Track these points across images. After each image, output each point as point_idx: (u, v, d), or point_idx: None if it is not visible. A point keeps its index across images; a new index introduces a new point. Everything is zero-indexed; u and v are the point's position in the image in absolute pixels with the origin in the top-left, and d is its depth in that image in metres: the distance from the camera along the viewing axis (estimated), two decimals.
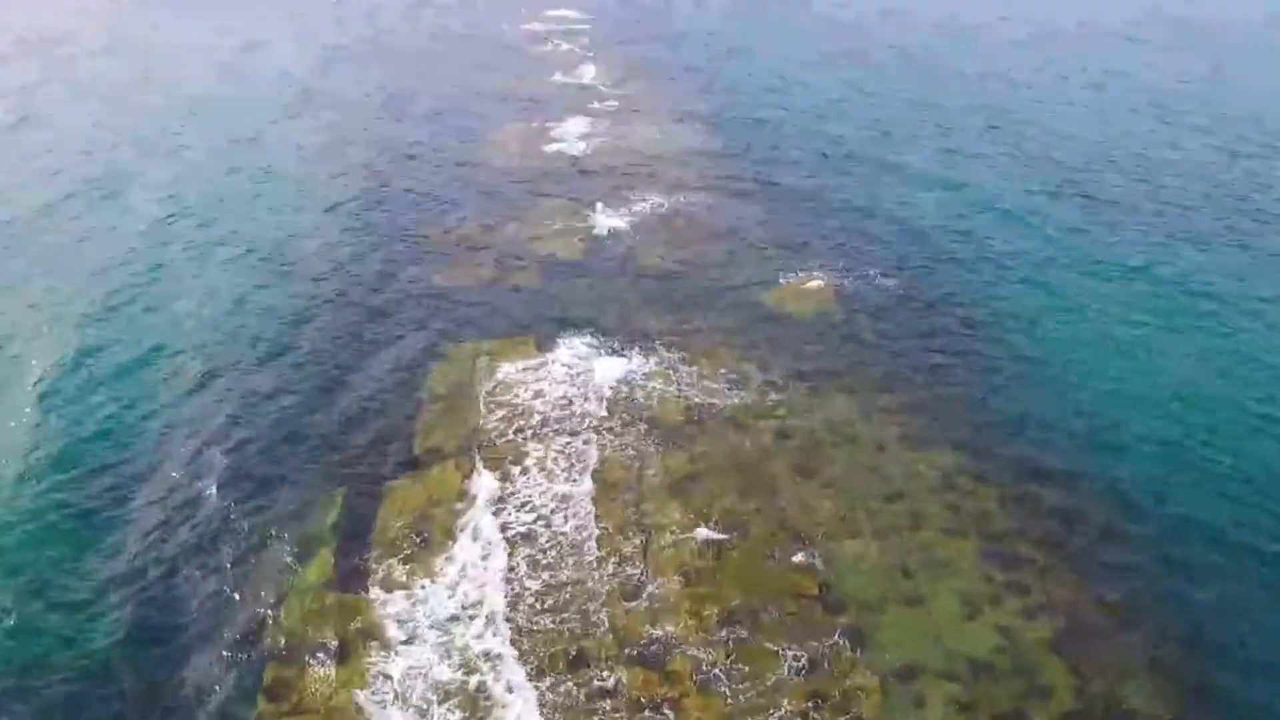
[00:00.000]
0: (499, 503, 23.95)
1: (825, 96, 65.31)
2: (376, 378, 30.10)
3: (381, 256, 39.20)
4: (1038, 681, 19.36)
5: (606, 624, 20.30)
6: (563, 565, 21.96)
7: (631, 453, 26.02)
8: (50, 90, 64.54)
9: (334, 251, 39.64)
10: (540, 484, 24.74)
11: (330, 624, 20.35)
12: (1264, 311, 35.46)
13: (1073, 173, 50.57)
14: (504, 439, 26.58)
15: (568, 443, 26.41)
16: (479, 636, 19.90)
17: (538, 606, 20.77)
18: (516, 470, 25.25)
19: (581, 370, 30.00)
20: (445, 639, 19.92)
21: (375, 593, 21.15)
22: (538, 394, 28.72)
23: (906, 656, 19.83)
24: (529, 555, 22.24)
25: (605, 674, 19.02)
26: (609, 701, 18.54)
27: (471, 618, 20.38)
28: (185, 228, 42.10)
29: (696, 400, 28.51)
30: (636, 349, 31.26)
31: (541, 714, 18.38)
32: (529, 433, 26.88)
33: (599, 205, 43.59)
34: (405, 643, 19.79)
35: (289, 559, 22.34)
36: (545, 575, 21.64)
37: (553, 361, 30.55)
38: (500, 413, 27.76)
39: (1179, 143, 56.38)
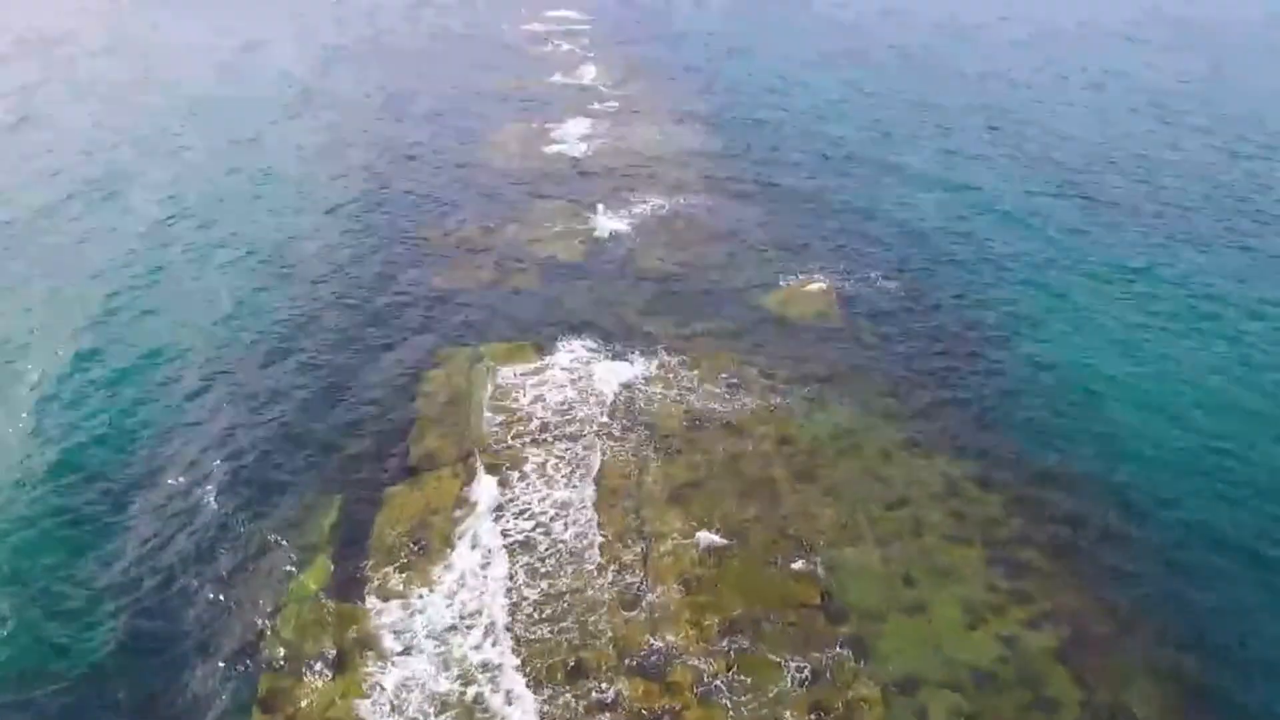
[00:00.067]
0: (498, 510, 23.75)
1: (825, 97, 65.17)
2: (375, 382, 29.93)
3: (381, 259, 39.03)
4: (1042, 692, 19.15)
5: (606, 634, 20.10)
6: (562, 573, 21.76)
7: (631, 458, 25.83)
8: (50, 90, 64.41)
9: (334, 254, 39.48)
10: (540, 490, 24.55)
11: (327, 634, 20.15)
12: (1266, 313, 35.30)
13: (1073, 173, 50.44)
14: (503, 444, 26.39)
15: (568, 448, 26.22)
16: (477, 647, 19.69)
17: (536, 616, 20.57)
18: (515, 476, 25.05)
19: (582, 374, 29.82)
20: (443, 649, 19.72)
21: (372, 602, 20.95)
22: (537, 399, 28.54)
23: (909, 667, 19.64)
24: (528, 563, 22.05)
25: (605, 685, 18.81)
26: (608, 714, 18.33)
27: (469, 627, 20.17)
28: (185, 229, 41.95)
29: (697, 405, 28.32)
30: (637, 352, 31.07)
31: None
32: (528, 438, 26.68)
33: (599, 207, 43.41)
34: (402, 653, 19.59)
35: (286, 567, 22.14)
36: (544, 584, 21.45)
37: (553, 365, 30.37)
38: (499, 418, 27.57)
39: (1179, 143, 56.23)
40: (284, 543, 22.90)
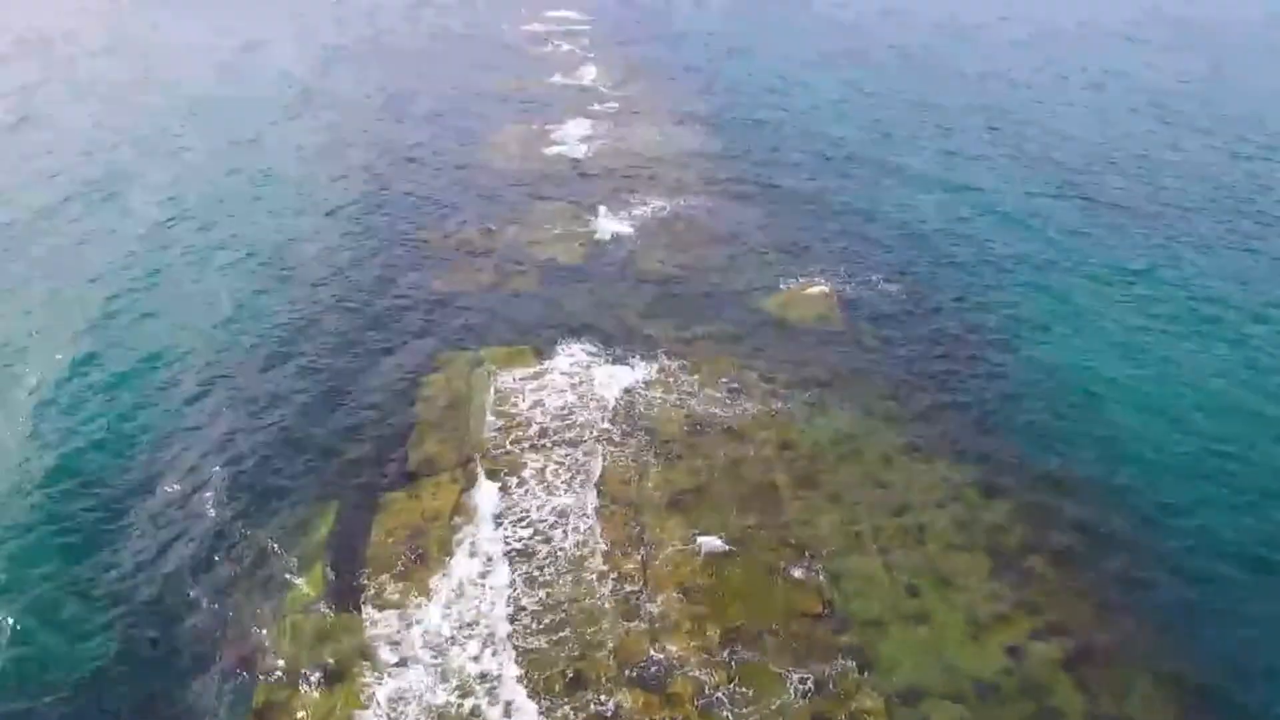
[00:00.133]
0: (497, 517, 23.59)
1: (825, 97, 64.99)
2: (375, 386, 29.77)
3: (381, 261, 38.87)
4: (1048, 703, 18.98)
5: (606, 644, 19.92)
6: (561, 582, 21.58)
7: (632, 464, 25.67)
8: (50, 90, 64.24)
9: (333, 256, 39.32)
10: (539, 497, 24.38)
11: (323, 644, 19.97)
12: (1269, 316, 35.11)
13: (1073, 174, 50.27)
14: (502, 450, 26.22)
15: (568, 454, 26.06)
16: (475, 657, 19.53)
17: (535, 625, 20.39)
18: (515, 483, 24.90)
19: (582, 379, 29.66)
20: (440, 660, 19.55)
21: (369, 611, 20.76)
22: (537, 403, 28.38)
23: (912, 677, 19.47)
24: (527, 572, 21.89)
25: (604, 697, 18.63)
26: None
27: (468, 637, 20.00)
28: (184, 231, 41.78)
29: (698, 410, 28.17)
30: (637, 356, 30.91)
31: None
32: (528, 443, 26.52)
33: (600, 209, 43.23)
34: (398, 664, 19.41)
35: (284, 575, 21.97)
36: (543, 593, 21.27)
37: (553, 369, 30.20)
38: (499, 423, 27.42)
39: (1180, 144, 56.05)
40: (281, 550, 22.72)
